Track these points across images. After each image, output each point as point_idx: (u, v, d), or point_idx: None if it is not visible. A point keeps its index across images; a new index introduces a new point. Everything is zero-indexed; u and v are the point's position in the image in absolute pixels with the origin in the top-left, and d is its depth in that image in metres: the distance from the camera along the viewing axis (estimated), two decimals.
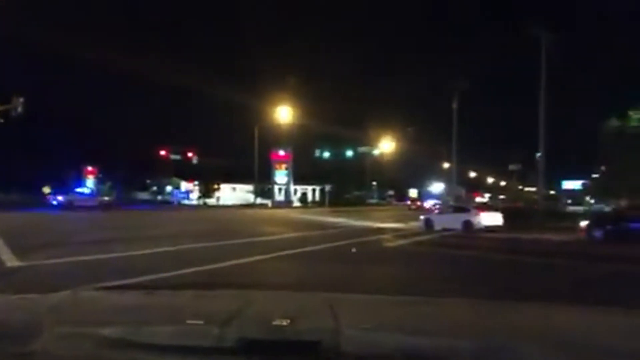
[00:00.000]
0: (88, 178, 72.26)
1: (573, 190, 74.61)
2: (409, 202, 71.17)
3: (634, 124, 29.99)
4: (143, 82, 72.82)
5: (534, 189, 50.21)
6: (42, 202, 38.76)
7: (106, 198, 52.71)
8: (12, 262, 9.16)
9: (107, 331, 1.32)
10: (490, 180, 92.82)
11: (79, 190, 50.99)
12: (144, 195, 71.12)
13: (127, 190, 70.24)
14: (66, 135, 59.20)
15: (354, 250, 14.16)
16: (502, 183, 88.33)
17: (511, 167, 74.47)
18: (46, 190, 53.48)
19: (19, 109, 30.63)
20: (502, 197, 77.37)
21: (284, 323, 1.41)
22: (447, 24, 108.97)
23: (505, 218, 24.74)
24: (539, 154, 29.62)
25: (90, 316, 1.61)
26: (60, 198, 39.77)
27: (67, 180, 59.77)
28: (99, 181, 72.21)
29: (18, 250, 10.36)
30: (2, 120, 31.40)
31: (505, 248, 15.26)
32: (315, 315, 1.60)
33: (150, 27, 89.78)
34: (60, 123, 58.24)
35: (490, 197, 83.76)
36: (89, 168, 72.22)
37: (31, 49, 51.38)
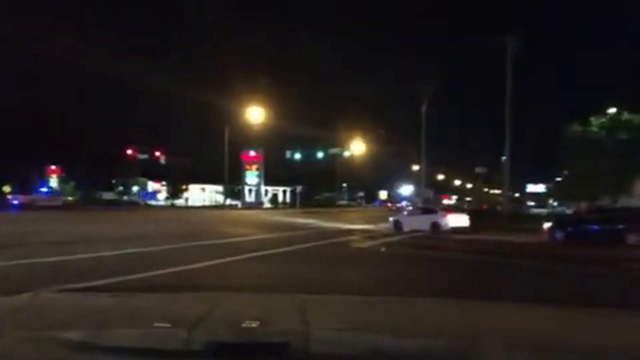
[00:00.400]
0: (51, 177, 70.03)
1: (537, 193, 76.95)
2: (389, 204, 72.02)
3: (594, 129, 31.05)
4: (111, 82, 71.24)
5: (499, 192, 51.53)
6: (1, 202, 37.33)
7: (70, 198, 51.20)
8: None
9: (70, 334, 1.28)
10: (457, 182, 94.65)
11: (42, 189, 49.35)
12: (109, 195, 69.32)
13: (91, 190, 68.37)
14: (29, 134, 57.15)
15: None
16: (469, 185, 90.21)
17: (477, 170, 76.18)
18: (6, 189, 51.52)
19: None
20: (468, 199, 79.05)
21: (253, 325, 1.40)
22: (417, 27, 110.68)
23: (471, 220, 25.29)
24: (504, 158, 30.35)
25: (53, 319, 1.55)
26: (21, 198, 38.39)
27: (29, 180, 57.74)
28: (63, 181, 70.03)
29: None
30: None
31: (471, 249, 15.58)
32: (284, 317, 1.59)
33: (121, 26, 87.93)
34: (23, 121, 56.17)
35: (457, 199, 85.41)
36: (52, 167, 69.97)
37: None
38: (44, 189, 50.22)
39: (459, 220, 24.44)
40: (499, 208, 33.45)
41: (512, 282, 8.79)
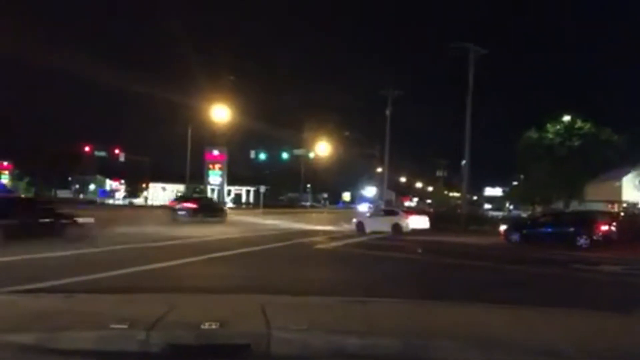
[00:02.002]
0: (3, 174, 66.91)
1: (494, 197, 79.30)
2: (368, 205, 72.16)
3: (550, 136, 32.25)
4: (68, 78, 68.88)
5: (458, 195, 52.83)
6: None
7: (22, 196, 49.02)
8: None
9: (21, 338, 1.23)
10: (419, 185, 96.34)
11: None
12: (64, 193, 66.82)
13: (46, 187, 65.76)
14: None
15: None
16: (430, 188, 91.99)
17: (438, 173, 77.78)
18: None
19: None
20: (428, 201, 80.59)
21: (214, 326, 1.39)
22: (384, 32, 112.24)
23: (431, 221, 25.83)
24: (464, 162, 31.13)
25: (3, 322, 1.49)
26: None
27: None
28: (16, 178, 67.03)
29: None
30: None
31: (431, 250, 15.91)
32: (245, 318, 1.58)
33: (81, 22, 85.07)
34: None
35: (418, 202, 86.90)
36: (4, 163, 66.85)
37: None
38: None
39: (419, 222, 24.92)
40: (459, 211, 34.24)
41: (466, 283, 9.03)
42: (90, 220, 15.57)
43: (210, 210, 28.67)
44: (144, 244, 13.34)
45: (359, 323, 1.61)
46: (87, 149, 61.39)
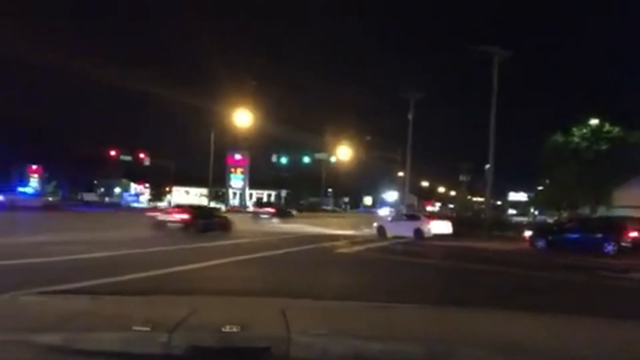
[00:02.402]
0: (32, 177, 68.86)
1: (518, 202, 77.94)
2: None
3: (576, 140, 31.56)
4: (95, 83, 70.47)
5: (482, 199, 52.07)
6: None
7: (50, 199, 50.35)
8: None
9: (48, 338, 1.26)
10: (441, 189, 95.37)
11: (21, 189, 48.42)
12: (90, 197, 68.31)
13: (73, 191, 67.36)
14: (10, 133, 56.16)
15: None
16: (452, 193, 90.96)
17: (461, 177, 76.82)
18: None
19: None
20: (451, 206, 79.67)
21: (234, 329, 1.40)
22: (406, 35, 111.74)
23: (454, 227, 25.51)
24: (488, 166, 30.69)
25: (31, 322, 1.53)
26: (0, 197, 37.55)
27: (9, 179, 56.66)
28: (44, 181, 68.89)
29: None
30: None
31: (453, 255, 15.71)
32: (266, 322, 1.59)
33: (108, 29, 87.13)
34: (5, 121, 55.18)
35: (440, 206, 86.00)
36: (33, 167, 68.81)
37: None
38: (22, 189, 49.26)
39: (442, 227, 24.64)
40: (482, 216, 33.75)
41: (490, 289, 8.88)
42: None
43: (285, 214, 36.49)
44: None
45: (380, 328, 1.59)
46: (112, 153, 62.74)
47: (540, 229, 23.83)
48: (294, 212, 40.38)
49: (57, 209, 38.54)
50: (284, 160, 64.10)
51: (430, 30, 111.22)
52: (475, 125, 56.60)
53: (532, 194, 68.48)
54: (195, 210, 23.42)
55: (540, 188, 55.26)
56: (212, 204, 63.43)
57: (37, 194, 49.06)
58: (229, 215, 26.32)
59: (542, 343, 1.42)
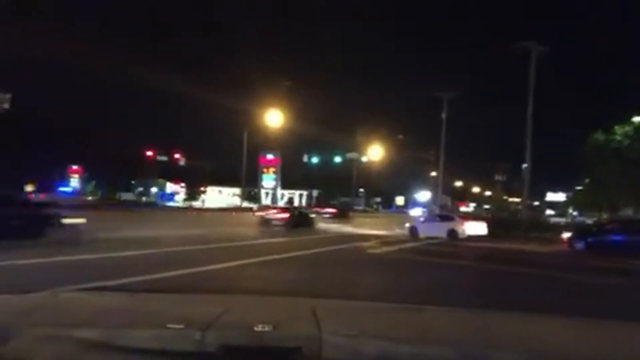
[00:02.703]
0: (72, 177, 71.37)
1: (556, 202, 75.68)
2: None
3: (618, 138, 30.40)
4: (133, 84, 72.54)
5: (518, 200, 50.78)
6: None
7: (90, 198, 52.11)
8: None
9: (86, 333, 1.30)
10: (475, 189, 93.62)
11: (62, 189, 50.25)
12: (128, 196, 70.29)
13: (111, 190, 69.46)
14: (52, 134, 58.47)
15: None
16: (488, 193, 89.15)
17: (497, 177, 75.27)
18: (29, 188, 52.65)
19: (6, 105, 30.27)
20: (486, 206, 78.11)
21: (266, 329, 1.41)
22: (439, 33, 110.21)
23: (489, 228, 24.98)
24: (524, 166, 29.95)
25: (70, 318, 1.58)
26: (42, 197, 39.08)
27: (51, 179, 58.95)
28: (84, 180, 71.32)
29: None
30: None
31: (489, 257, 15.38)
32: (297, 321, 1.59)
33: (142, 31, 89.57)
34: (47, 122, 57.44)
35: (475, 207, 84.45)
36: (74, 167, 71.32)
37: (20, 49, 50.85)
38: (65, 188, 51.23)
39: (476, 228, 24.18)
40: (519, 216, 32.95)
41: (527, 292, 8.65)
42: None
43: (344, 216, 39.57)
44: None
45: (412, 330, 1.57)
46: (150, 153, 64.51)
47: (580, 230, 23.06)
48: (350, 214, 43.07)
49: (96, 208, 39.79)
50: (315, 160, 64.35)
51: (465, 28, 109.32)
52: (511, 124, 55.28)
53: (570, 194, 66.42)
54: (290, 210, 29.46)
55: (579, 188, 53.51)
56: (245, 204, 64.32)
57: (76, 193, 50.82)
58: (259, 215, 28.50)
59: (582, 350, 1.37)
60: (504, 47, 29.06)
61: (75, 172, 71.90)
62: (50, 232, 12.21)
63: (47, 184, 55.19)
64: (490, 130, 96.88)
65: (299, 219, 25.72)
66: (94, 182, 70.60)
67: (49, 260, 9.48)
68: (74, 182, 69.93)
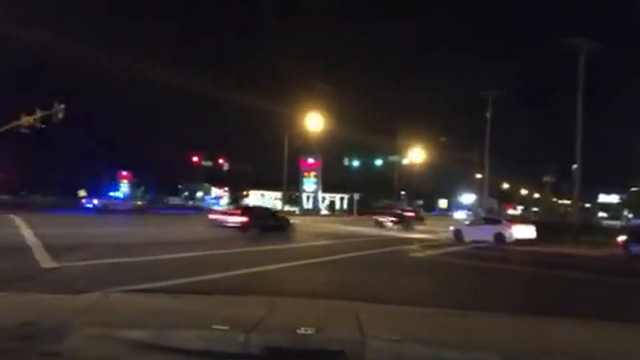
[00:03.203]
0: (122, 182, 74.18)
1: (610, 204, 72.08)
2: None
3: None
4: (178, 91, 74.76)
5: (568, 202, 48.77)
6: (77, 205, 39.83)
7: (139, 202, 53.98)
8: (47, 262, 9.45)
9: (134, 334, 1.34)
10: (523, 192, 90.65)
11: (113, 194, 52.31)
12: (175, 200, 72.38)
13: (159, 194, 71.72)
14: (103, 141, 61.18)
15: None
16: (536, 195, 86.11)
17: (545, 178, 72.62)
18: (81, 193, 55.14)
19: (60, 115, 31.81)
20: (535, 209, 75.48)
21: (309, 331, 1.41)
22: (482, 31, 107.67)
23: (538, 231, 24.10)
24: (575, 166, 28.77)
25: (119, 318, 1.64)
26: (95, 202, 40.80)
27: (102, 184, 61.49)
28: (133, 185, 73.99)
29: (53, 251, 10.69)
30: (44, 126, 32.64)
31: (538, 262, 14.86)
32: (340, 325, 1.58)
33: (185, 37, 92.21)
34: (97, 129, 60.21)
35: (523, 210, 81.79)
36: (124, 172, 74.13)
37: (71, 58, 53.57)
38: (113, 193, 53.42)
39: (525, 232, 23.37)
40: (569, 219, 31.64)
41: (578, 298, 8.28)
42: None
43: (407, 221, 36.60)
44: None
45: (456, 336, 1.54)
46: (195, 159, 66.21)
47: (635, 234, 21.85)
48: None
49: (146, 212, 41.21)
50: (355, 163, 64.08)
51: (511, 22, 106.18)
52: (561, 123, 53.12)
53: (625, 196, 63.15)
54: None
55: (634, 189, 50.80)
56: (286, 207, 64.92)
57: (125, 198, 52.77)
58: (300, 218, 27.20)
59: (630, 357, 1.30)
60: (555, 43, 27.99)
61: (125, 177, 74.72)
62: None
63: (99, 189, 57.58)
64: (538, 129, 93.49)
65: (267, 222, 20.78)
66: (142, 187, 73.12)
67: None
68: (124, 187, 72.64)
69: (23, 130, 32.90)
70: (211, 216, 23.48)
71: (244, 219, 20.21)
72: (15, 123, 33.04)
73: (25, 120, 32.48)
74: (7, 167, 40.57)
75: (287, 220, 23.26)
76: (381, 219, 38.07)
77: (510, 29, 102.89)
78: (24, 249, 11.13)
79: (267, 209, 27.20)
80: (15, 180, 40.63)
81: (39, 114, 32.24)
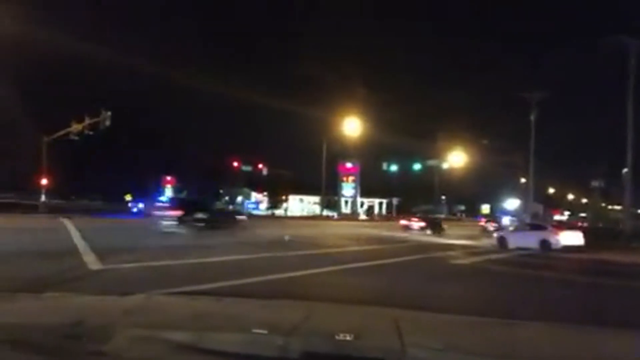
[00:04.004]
0: (167, 187, 76.42)
1: None
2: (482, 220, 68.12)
3: None
4: (218, 97, 76.43)
5: (619, 207, 46.52)
6: (124, 209, 41.28)
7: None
8: (94, 265, 9.81)
9: (176, 336, 1.36)
10: (570, 196, 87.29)
11: (158, 198, 54.01)
12: (216, 205, 73.84)
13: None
14: (148, 147, 63.27)
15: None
16: (584, 200, 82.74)
17: (594, 183, 69.61)
18: (128, 197, 57.15)
19: (107, 122, 33.14)
20: (583, 215, 72.55)
21: (348, 337, 1.39)
22: (525, 30, 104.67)
23: (586, 238, 23.12)
24: (625, 170, 27.48)
25: (161, 320, 1.67)
26: (140, 206, 42.18)
27: (147, 189, 63.57)
28: (177, 190, 76.06)
29: (100, 253, 11.10)
30: (92, 133, 34.09)
31: (586, 270, 14.25)
32: (379, 332, 1.56)
33: (224, 43, 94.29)
34: (143, 136, 62.30)
35: (569, 215, 78.82)
36: (168, 178, 76.38)
37: (117, 66, 55.72)
38: (159, 198, 55.27)
39: (572, 238, 22.48)
40: (620, 226, 30.22)
41: (629, 307, 7.86)
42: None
43: (436, 225, 36.69)
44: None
45: (501, 346, 1.48)
46: (235, 164, 67.44)
47: None
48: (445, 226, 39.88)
49: None
50: (394, 167, 63.48)
51: (556, 24, 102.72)
52: (610, 125, 50.80)
53: None
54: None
55: None
56: (325, 212, 65.00)
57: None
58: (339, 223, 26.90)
59: None
60: (600, 40, 26.87)
61: (169, 182, 76.95)
62: None
63: (144, 193, 59.61)
64: (586, 132, 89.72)
65: (212, 219, 19.24)
66: (185, 192, 75.09)
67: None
68: (168, 191, 74.81)
69: (73, 137, 34.48)
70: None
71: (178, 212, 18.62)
72: (66, 130, 34.69)
73: (75, 127, 34.03)
74: (58, 172, 42.55)
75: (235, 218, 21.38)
76: (408, 222, 38.23)
77: (556, 27, 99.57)
78: (73, 252, 11.61)
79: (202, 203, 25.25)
80: (66, 185, 42.58)
81: (87, 121, 33.71)
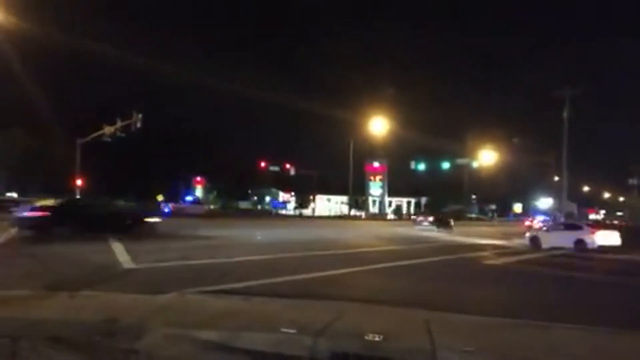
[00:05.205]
0: (197, 187, 77.72)
1: None
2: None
3: None
4: (247, 99, 77.29)
5: None
6: (157, 210, 42.16)
7: (212, 206, 56.27)
8: (128, 264, 10.06)
9: (207, 334, 1.38)
10: (606, 195, 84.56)
11: (187, 198, 54.96)
12: (245, 205, 74.74)
13: (229, 199, 74.34)
14: (178, 148, 64.45)
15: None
16: (621, 199, 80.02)
17: (631, 181, 67.22)
18: (159, 198, 58.37)
19: (139, 124, 33.90)
20: (619, 213, 70.23)
21: (377, 339, 1.38)
22: (560, 27, 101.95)
23: (623, 237, 22.34)
24: None
25: (193, 319, 1.69)
26: (170, 206, 43.03)
27: (178, 189, 64.79)
28: (206, 190, 77.28)
29: (134, 253, 11.37)
30: (124, 135, 34.93)
31: (623, 271, 13.77)
32: (409, 333, 1.54)
33: (251, 46, 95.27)
34: (173, 137, 63.50)
35: (605, 214, 76.42)
36: (198, 178, 77.67)
37: (147, 69, 57.00)
38: (189, 198, 56.32)
39: (608, 238, 21.76)
40: None
41: None
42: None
43: (445, 223, 38.55)
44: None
45: (535, 349, 1.44)
46: (263, 164, 68.00)
47: None
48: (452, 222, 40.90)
49: (218, 215, 42.84)
50: (422, 166, 62.78)
51: (590, 21, 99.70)
52: None
53: None
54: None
55: None
56: (352, 212, 64.81)
57: (196, 202, 55.24)
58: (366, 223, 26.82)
59: None
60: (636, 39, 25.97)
61: (199, 182, 78.23)
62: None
63: (175, 194, 60.75)
64: (622, 128, 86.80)
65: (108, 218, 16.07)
66: (215, 192, 76.16)
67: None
68: (198, 192, 76.08)
69: (105, 139, 35.43)
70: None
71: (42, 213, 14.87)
72: (99, 132, 35.66)
73: (107, 129, 34.95)
74: (92, 173, 43.79)
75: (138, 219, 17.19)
76: (419, 218, 42.86)
77: (590, 24, 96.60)
78: (107, 251, 11.93)
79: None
80: (100, 186, 43.82)
81: (119, 123, 34.58)
